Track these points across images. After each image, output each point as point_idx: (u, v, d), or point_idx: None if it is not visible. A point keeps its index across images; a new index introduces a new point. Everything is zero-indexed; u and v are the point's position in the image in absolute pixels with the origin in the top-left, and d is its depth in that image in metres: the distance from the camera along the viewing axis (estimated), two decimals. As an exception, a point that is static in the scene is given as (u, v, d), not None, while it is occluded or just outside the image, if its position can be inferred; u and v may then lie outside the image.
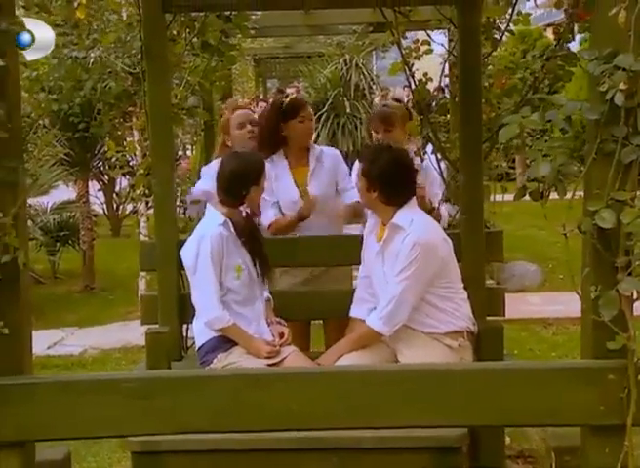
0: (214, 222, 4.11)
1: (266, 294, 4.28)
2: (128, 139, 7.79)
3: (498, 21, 4.61)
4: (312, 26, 9.80)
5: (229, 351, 4.02)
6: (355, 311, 4.17)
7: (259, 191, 4.17)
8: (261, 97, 18.69)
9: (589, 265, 2.34)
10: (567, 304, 7.92)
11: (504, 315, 4.64)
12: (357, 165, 4.18)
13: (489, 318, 4.42)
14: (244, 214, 4.16)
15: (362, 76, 16.49)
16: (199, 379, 2.40)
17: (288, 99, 4.94)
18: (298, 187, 4.86)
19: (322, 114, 15.65)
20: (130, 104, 8.24)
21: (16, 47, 2.27)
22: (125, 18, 7.36)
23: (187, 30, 4.69)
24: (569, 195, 2.33)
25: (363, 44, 14.72)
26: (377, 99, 18.39)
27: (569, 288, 7.51)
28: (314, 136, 5.06)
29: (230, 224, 4.10)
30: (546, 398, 2.39)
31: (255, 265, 4.16)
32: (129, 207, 12.72)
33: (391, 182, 3.88)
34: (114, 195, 13.01)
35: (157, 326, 4.50)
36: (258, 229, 4.31)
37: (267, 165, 4.81)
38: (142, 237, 8.44)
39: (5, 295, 2.30)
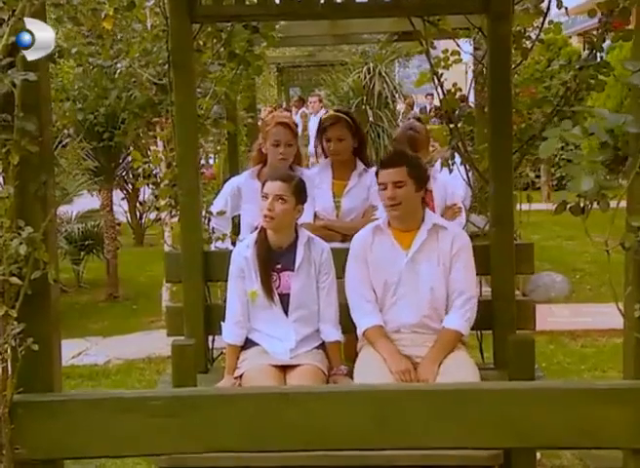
0: (247, 240, 4.25)
1: (334, 335, 4.19)
2: (152, 149, 7.76)
3: (531, 29, 4.56)
4: (337, 35, 9.80)
5: (247, 350, 4.17)
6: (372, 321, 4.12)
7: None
8: (284, 105, 18.66)
9: (632, 283, 2.28)
10: (595, 316, 7.83)
11: (535, 328, 4.58)
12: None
13: (519, 331, 4.36)
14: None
15: (385, 84, 16.42)
16: (228, 397, 2.36)
17: (324, 117, 5.03)
18: (334, 199, 4.99)
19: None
20: (154, 114, 8.25)
21: (47, 60, 2.24)
22: (150, 28, 7.36)
23: (214, 40, 4.66)
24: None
25: (386, 53, 14.69)
26: (399, 107, 18.36)
27: (597, 299, 7.41)
28: None
29: (256, 246, 4.14)
30: (587, 419, 2.33)
31: (267, 292, 4.13)
32: (152, 216, 12.73)
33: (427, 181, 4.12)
34: (138, 204, 13.00)
35: (183, 337, 4.47)
36: (272, 252, 4.17)
37: (314, 170, 5.07)
38: (167, 247, 8.44)
39: (34, 311, 2.27)
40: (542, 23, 4.37)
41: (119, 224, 10.98)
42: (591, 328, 7.49)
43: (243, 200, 5.08)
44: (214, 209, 4.92)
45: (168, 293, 8.36)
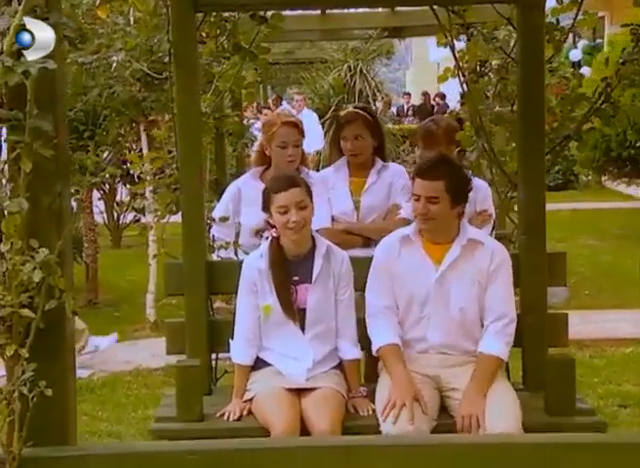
0: (258, 250, 3.90)
1: (354, 353, 3.86)
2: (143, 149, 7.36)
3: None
4: (328, 31, 9.48)
5: (258, 371, 3.83)
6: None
7: (274, 219, 3.78)
8: (262, 103, 18.29)
9: None
10: (599, 323, 7.53)
11: (567, 344, 4.26)
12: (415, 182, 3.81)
13: (552, 349, 4.05)
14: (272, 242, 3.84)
15: (366, 83, 16.18)
16: (281, 451, 1.97)
17: (341, 114, 4.67)
18: (352, 198, 4.61)
19: (326, 121, 15.38)
20: (137, 112, 7.87)
21: (62, 47, 1.85)
22: (132, 21, 6.95)
23: (218, 31, 4.28)
24: None
25: (370, 51, 14.46)
26: (377, 105, 18.08)
27: (598, 306, 7.10)
28: None
29: (268, 257, 3.80)
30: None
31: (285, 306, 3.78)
32: (129, 216, 12.34)
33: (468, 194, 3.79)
34: (115, 204, 12.57)
35: (184, 356, 4.09)
36: (288, 262, 3.84)
37: (329, 171, 4.71)
38: (150, 250, 8.04)
39: (48, 349, 1.87)
40: (577, 14, 4.04)
41: (96, 226, 10.54)
42: (598, 336, 7.20)
43: (243, 203, 4.71)
44: (215, 215, 4.54)
45: (152, 299, 7.99)
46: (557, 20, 4.01)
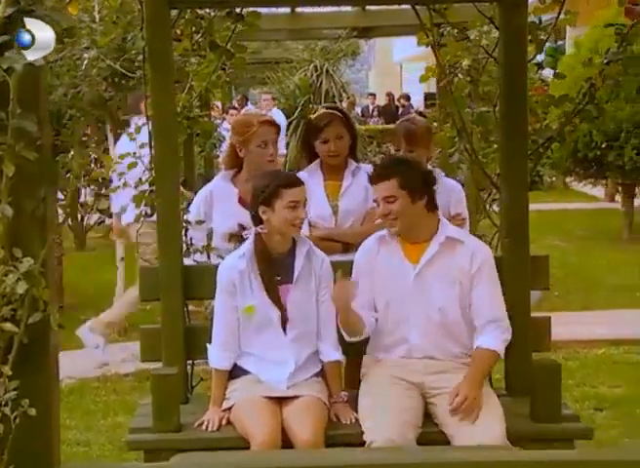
0: (238, 251, 3.77)
1: (335, 355, 3.76)
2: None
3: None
4: (296, 30, 9.37)
5: (237, 379, 3.73)
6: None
7: (276, 215, 3.65)
8: (228, 103, 18.14)
9: None
10: (568, 325, 7.49)
11: (549, 348, 4.21)
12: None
13: (537, 354, 3.99)
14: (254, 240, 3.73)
15: (332, 83, 16.11)
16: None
17: (314, 116, 4.52)
18: (329, 203, 4.49)
19: (292, 121, 15.28)
20: (104, 112, 7.72)
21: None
22: (98, 18, 6.82)
23: (193, 29, 4.16)
24: None
25: (339, 51, 14.39)
26: (343, 104, 18.03)
27: (567, 307, 7.05)
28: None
29: (251, 256, 3.69)
30: None
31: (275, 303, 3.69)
32: (93, 218, 12.13)
33: (433, 188, 3.70)
34: (79, 206, 12.33)
35: (160, 364, 3.97)
36: (272, 260, 3.74)
37: (303, 175, 4.46)
38: (119, 253, 7.91)
39: (32, 365, 1.75)
40: (559, 13, 3.98)
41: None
42: (569, 338, 7.17)
43: (215, 205, 4.58)
44: (190, 218, 4.42)
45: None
46: (539, 20, 3.94)
